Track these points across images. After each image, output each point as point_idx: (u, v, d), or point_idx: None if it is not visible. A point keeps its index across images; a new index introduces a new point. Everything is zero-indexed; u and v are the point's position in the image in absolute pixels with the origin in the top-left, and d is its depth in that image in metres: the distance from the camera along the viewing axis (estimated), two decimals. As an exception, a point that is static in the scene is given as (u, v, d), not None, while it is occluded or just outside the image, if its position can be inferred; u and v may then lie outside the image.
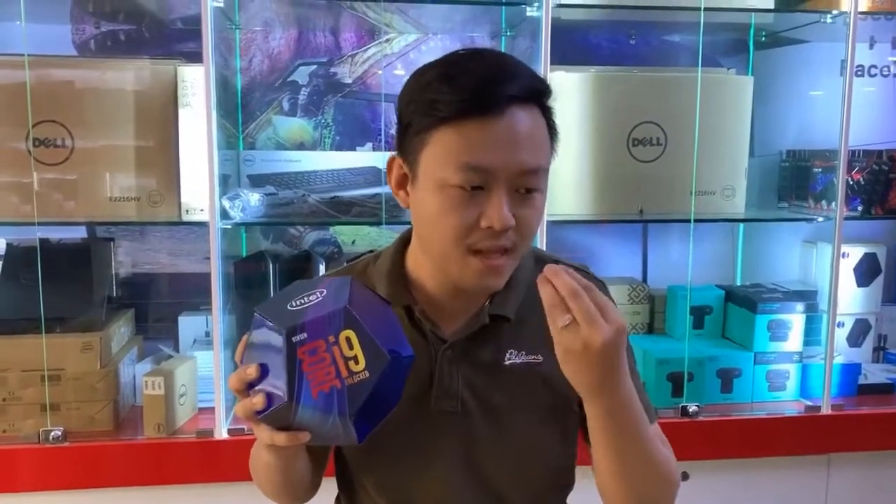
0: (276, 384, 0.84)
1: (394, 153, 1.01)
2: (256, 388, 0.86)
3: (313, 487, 1.10)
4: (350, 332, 0.84)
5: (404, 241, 1.08)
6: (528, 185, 0.94)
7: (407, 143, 0.96)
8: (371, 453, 0.94)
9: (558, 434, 1.06)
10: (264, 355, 0.86)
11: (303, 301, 0.87)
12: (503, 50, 2.28)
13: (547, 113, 0.97)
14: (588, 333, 0.83)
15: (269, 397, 0.85)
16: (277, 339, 0.84)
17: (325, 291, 0.88)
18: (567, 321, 0.83)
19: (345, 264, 1.16)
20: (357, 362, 0.84)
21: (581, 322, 0.83)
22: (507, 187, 0.92)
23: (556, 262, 1.09)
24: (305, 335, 0.84)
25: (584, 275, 1.08)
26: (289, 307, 0.87)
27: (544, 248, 1.88)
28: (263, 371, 0.86)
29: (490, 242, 0.92)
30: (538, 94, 0.95)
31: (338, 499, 1.16)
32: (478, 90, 0.90)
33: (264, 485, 1.05)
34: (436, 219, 0.93)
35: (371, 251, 1.14)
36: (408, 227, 1.07)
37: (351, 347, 0.84)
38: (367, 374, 0.84)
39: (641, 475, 0.96)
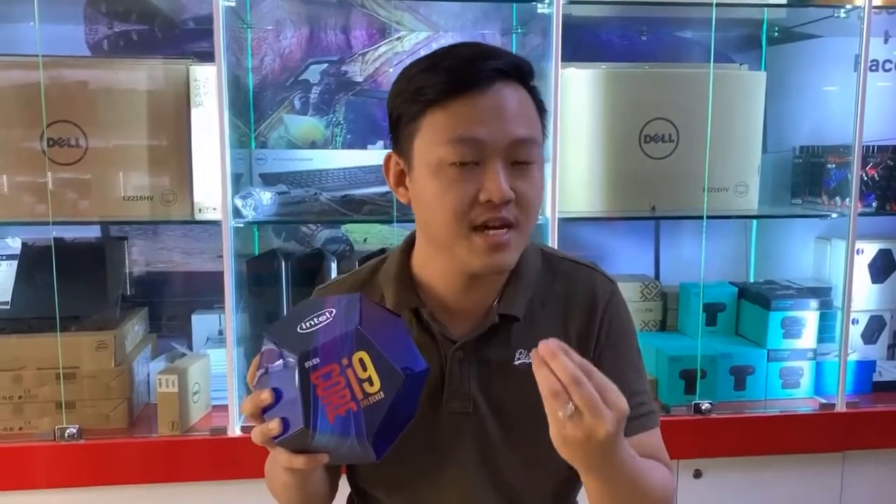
0: (292, 409, 0.84)
1: (389, 151, 1.02)
2: (271, 412, 0.85)
3: (330, 496, 1.10)
4: (363, 354, 0.83)
5: (409, 244, 1.08)
6: (521, 156, 0.94)
7: (399, 136, 0.98)
8: (383, 459, 0.94)
9: None
10: (277, 379, 0.85)
11: (313, 322, 0.86)
12: (514, 46, 2.28)
13: (533, 92, 0.98)
14: (592, 424, 0.78)
15: (285, 422, 0.84)
16: (290, 365, 0.83)
17: (334, 311, 0.88)
18: (570, 412, 0.78)
19: (357, 266, 1.16)
20: (372, 384, 0.83)
21: (585, 412, 0.78)
22: (502, 160, 0.93)
23: (563, 259, 1.10)
24: (318, 360, 0.83)
25: (591, 271, 1.10)
26: (299, 329, 0.86)
27: (555, 245, 1.88)
28: (277, 395, 0.85)
29: (491, 215, 0.93)
30: (520, 71, 0.96)
31: (350, 499, 1.16)
32: (461, 69, 0.92)
33: (283, 501, 1.06)
34: (435, 201, 0.94)
35: (382, 250, 1.14)
36: (413, 229, 1.07)
37: (365, 369, 0.83)
38: (383, 395, 0.83)
39: None
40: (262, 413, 0.87)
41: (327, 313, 0.87)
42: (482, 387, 1.03)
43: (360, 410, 0.83)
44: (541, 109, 0.99)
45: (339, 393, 0.83)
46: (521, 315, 1.03)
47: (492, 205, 0.92)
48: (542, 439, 1.03)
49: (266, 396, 0.85)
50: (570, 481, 1.11)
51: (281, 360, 0.85)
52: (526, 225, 0.97)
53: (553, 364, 0.79)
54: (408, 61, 2.43)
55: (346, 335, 0.84)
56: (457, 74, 0.92)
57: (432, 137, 0.93)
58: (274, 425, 0.84)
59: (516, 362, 1.03)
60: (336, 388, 0.83)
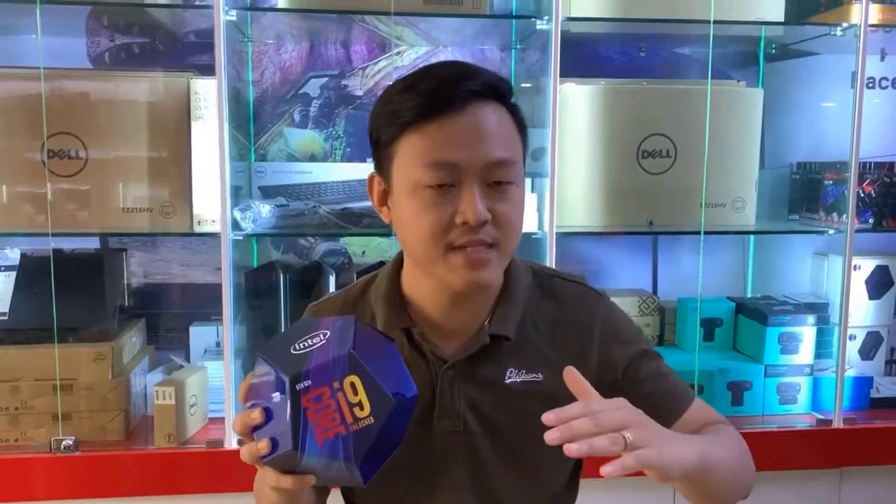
0: (281, 430, 0.84)
1: (372, 172, 1.03)
2: (261, 432, 0.86)
3: None
4: (355, 378, 0.83)
5: (399, 263, 1.08)
6: (498, 177, 0.94)
7: (380, 157, 0.99)
8: (376, 478, 0.95)
9: (561, 450, 1.06)
10: (268, 399, 0.86)
11: (306, 344, 0.86)
12: (513, 62, 2.30)
13: (513, 110, 0.98)
14: (631, 430, 0.82)
15: (274, 442, 0.84)
16: (281, 386, 0.83)
17: (328, 333, 0.88)
18: (630, 439, 0.81)
19: (355, 278, 1.17)
20: (362, 408, 0.83)
21: (617, 432, 0.82)
22: (478, 182, 0.93)
23: (553, 276, 1.11)
24: (309, 382, 0.83)
25: (578, 287, 1.11)
26: (292, 350, 0.86)
27: (553, 261, 1.88)
28: (267, 415, 0.85)
29: (468, 237, 0.93)
30: (497, 90, 0.95)
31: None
32: (436, 91, 0.92)
33: None
34: (413, 222, 0.94)
35: (381, 262, 1.14)
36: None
37: (356, 393, 0.83)
38: (373, 420, 0.83)
39: (738, 478, 1.02)
40: (252, 432, 0.87)
41: (321, 335, 0.87)
42: (473, 405, 1.03)
43: (350, 434, 0.83)
44: (521, 128, 0.99)
45: (329, 416, 0.83)
46: (511, 335, 1.03)
47: (468, 227, 0.92)
48: (535, 456, 1.04)
49: (256, 416, 0.85)
50: (563, 499, 1.11)
51: (272, 381, 0.85)
52: (506, 245, 0.97)
53: (575, 430, 0.80)
54: (407, 76, 2.43)
55: (339, 359, 0.84)
56: (431, 96, 0.92)
57: (408, 160, 0.93)
58: (262, 445, 0.84)
59: (507, 381, 1.03)
60: (326, 412, 0.83)
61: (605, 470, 0.79)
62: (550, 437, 0.80)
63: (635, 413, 0.85)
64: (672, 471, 0.85)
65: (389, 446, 0.87)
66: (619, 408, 0.84)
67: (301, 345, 0.87)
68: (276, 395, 0.84)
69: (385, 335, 0.94)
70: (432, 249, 0.94)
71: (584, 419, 0.81)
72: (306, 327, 0.90)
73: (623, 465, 0.80)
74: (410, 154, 0.93)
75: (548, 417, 0.81)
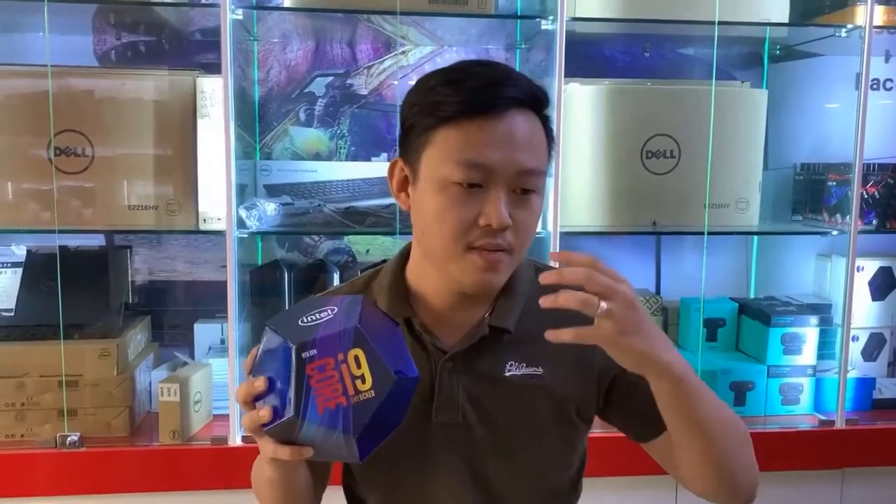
0: (284, 398, 0.86)
1: (395, 157, 1.04)
2: (263, 401, 0.88)
3: None
4: (359, 351, 0.85)
5: (404, 256, 1.09)
6: (525, 185, 0.96)
7: (409, 144, 0.99)
8: (375, 466, 0.97)
9: (560, 445, 1.07)
10: (273, 369, 0.88)
11: (314, 317, 0.89)
12: (518, 62, 2.30)
13: (544, 121, 1.00)
14: (619, 297, 0.83)
15: (276, 411, 0.86)
16: (287, 354, 0.86)
17: (336, 309, 0.90)
18: (603, 309, 0.82)
19: (358, 274, 1.18)
20: (364, 381, 0.85)
21: (611, 297, 0.83)
22: (505, 187, 0.95)
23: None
24: (315, 352, 0.85)
25: None
26: (300, 322, 0.88)
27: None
28: (271, 384, 0.87)
29: (487, 240, 0.95)
30: (537, 100, 0.98)
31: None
32: (480, 92, 0.94)
33: (266, 501, 1.06)
34: (436, 216, 0.96)
35: (385, 261, 1.15)
36: (409, 241, 1.09)
37: (359, 366, 0.85)
38: (374, 394, 0.85)
39: (729, 436, 1.00)
40: (255, 401, 0.88)
41: (329, 311, 0.90)
42: (472, 398, 1.03)
43: (350, 406, 0.85)
44: (550, 138, 1.01)
45: (332, 386, 0.85)
46: (511, 328, 1.04)
47: (490, 229, 0.94)
48: (533, 449, 1.04)
49: (260, 384, 0.87)
50: (563, 495, 1.11)
51: (278, 350, 0.87)
52: (520, 251, 0.99)
53: (563, 278, 0.84)
54: (412, 75, 2.45)
55: (345, 332, 0.86)
56: (475, 96, 0.93)
57: (442, 154, 0.94)
58: (264, 413, 0.86)
59: (507, 373, 1.04)
60: (329, 382, 0.85)
61: (548, 334, 0.84)
62: (545, 279, 0.85)
63: (630, 295, 0.85)
64: (652, 361, 0.86)
65: (388, 425, 0.89)
66: (620, 281, 0.85)
67: (309, 318, 0.89)
68: (281, 363, 0.86)
69: (391, 318, 0.96)
70: (452, 246, 0.95)
71: (578, 269, 0.84)
72: (315, 304, 0.92)
73: (576, 334, 0.84)
74: (445, 148, 0.94)
75: (554, 254, 0.87)
